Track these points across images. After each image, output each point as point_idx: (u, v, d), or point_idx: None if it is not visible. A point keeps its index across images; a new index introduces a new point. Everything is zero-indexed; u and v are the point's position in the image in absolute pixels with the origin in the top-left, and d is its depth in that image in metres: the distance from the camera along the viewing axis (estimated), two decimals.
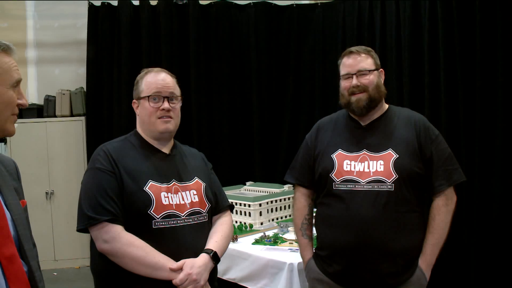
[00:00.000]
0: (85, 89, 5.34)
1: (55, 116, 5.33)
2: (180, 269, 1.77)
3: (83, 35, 5.37)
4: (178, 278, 1.75)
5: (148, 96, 1.93)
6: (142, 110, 1.96)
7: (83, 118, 5.32)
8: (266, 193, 3.75)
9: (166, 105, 1.93)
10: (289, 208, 3.62)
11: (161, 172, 1.90)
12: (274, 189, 3.82)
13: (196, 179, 1.99)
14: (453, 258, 3.55)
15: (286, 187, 3.76)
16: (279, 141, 5.11)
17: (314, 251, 2.33)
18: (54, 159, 5.33)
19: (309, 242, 2.35)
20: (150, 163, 1.92)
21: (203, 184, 1.99)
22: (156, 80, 1.96)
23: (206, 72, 5.07)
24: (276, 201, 3.59)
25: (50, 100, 5.34)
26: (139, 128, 2.02)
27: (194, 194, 1.94)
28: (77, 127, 5.35)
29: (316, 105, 4.94)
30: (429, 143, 2.13)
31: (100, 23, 5.15)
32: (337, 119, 2.34)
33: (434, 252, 2.13)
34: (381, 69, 2.25)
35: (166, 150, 1.99)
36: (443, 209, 2.13)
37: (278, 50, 5.18)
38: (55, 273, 5.01)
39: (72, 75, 5.68)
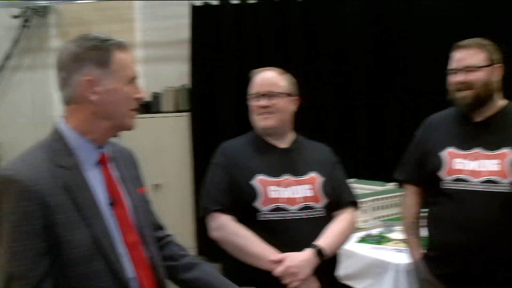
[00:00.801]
0: (189, 86, 5.55)
1: (162, 112, 5.58)
2: (282, 261, 1.79)
3: (187, 33, 5.58)
4: (277, 270, 1.78)
5: (250, 95, 2.04)
6: (250, 109, 2.06)
7: (188, 113, 5.53)
8: (370, 191, 3.64)
9: (261, 102, 1.98)
10: (393, 206, 3.50)
11: (273, 167, 1.94)
12: (378, 187, 3.71)
13: (313, 174, 1.98)
14: None
15: (391, 185, 3.64)
16: (384, 138, 4.93)
17: (424, 251, 2.23)
18: (162, 152, 5.59)
19: (419, 242, 2.25)
20: (263, 158, 1.97)
21: (320, 179, 1.97)
22: (257, 78, 2.04)
23: (307, 68, 5.01)
24: (380, 199, 3.49)
25: (157, 97, 5.61)
26: None
27: (308, 189, 1.93)
28: (182, 122, 5.57)
29: (424, 101, 4.68)
30: None
31: (201, 22, 5.33)
32: (449, 115, 2.24)
33: None
34: (497, 65, 2.08)
35: (283, 144, 2.03)
36: None
37: (383, 43, 4.97)
38: None
39: (177, 73, 5.90)
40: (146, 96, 5.73)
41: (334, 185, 2.01)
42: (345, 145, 5.02)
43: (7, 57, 6.34)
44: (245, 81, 5.06)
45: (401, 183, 2.42)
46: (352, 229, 2.05)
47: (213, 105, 5.27)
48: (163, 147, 5.60)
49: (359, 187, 3.84)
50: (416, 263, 2.22)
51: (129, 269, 1.31)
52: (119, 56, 1.33)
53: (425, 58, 4.68)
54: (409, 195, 2.31)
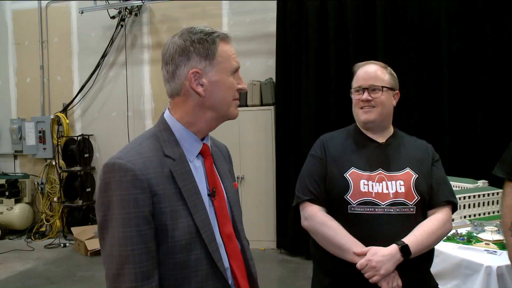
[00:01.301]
0: (274, 80, 5.62)
1: (247, 106, 5.71)
2: (365, 254, 1.79)
3: (272, 28, 5.65)
4: (359, 263, 1.78)
5: (353, 89, 2.03)
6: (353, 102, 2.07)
7: (272, 107, 5.61)
8: (458, 188, 3.52)
9: (364, 96, 1.98)
10: (483, 205, 3.35)
11: (367, 161, 1.94)
12: (467, 184, 3.57)
13: (407, 170, 1.94)
14: None
15: (480, 183, 3.48)
16: (471, 133, 4.73)
17: None
18: (245, 145, 5.72)
19: None
20: (358, 151, 1.98)
21: (414, 176, 1.93)
22: (360, 73, 2.03)
23: (394, 61, 4.91)
24: (469, 197, 3.35)
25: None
26: None
27: (401, 185, 1.91)
28: (266, 116, 5.67)
29: None
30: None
31: (288, 15, 5.36)
32: None
33: None
34: None
35: (381, 139, 2.01)
36: None
37: (472, 35, 4.76)
38: None
39: (262, 67, 6.02)
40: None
41: (430, 183, 1.96)
42: (432, 141, 4.85)
43: (104, 54, 6.77)
44: (329, 75, 5.11)
45: (500, 180, 2.28)
46: (446, 230, 1.96)
47: (298, 98, 5.31)
48: (248, 140, 5.73)
49: None
50: None
51: (225, 260, 1.35)
52: (223, 48, 1.36)
53: None
54: (510, 194, 2.17)
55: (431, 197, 1.96)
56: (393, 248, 1.80)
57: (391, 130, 2.06)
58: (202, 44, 1.34)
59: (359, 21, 5.03)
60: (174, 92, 1.37)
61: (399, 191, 1.89)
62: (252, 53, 6.10)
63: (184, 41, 1.34)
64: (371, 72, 2.01)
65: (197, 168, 1.38)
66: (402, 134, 2.09)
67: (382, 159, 1.96)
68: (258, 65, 6.04)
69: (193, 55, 1.33)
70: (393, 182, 1.91)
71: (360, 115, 2.00)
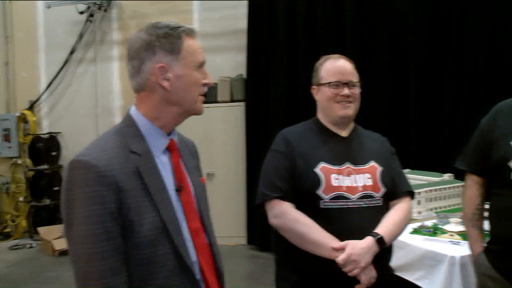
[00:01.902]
0: (244, 76, 5.61)
1: (217, 102, 5.68)
2: (343, 249, 1.79)
3: (242, 24, 5.65)
4: (339, 258, 1.77)
5: (329, 83, 1.98)
6: (322, 96, 2.02)
7: (242, 103, 5.61)
8: (425, 182, 3.57)
9: (345, 91, 1.96)
10: (448, 198, 3.42)
11: (335, 155, 1.94)
12: (433, 178, 3.64)
13: (372, 163, 1.97)
14: None
15: (446, 176, 3.56)
16: (438, 128, 4.82)
17: (485, 244, 2.16)
18: (215, 142, 5.70)
19: (480, 234, 2.18)
20: (325, 146, 1.97)
21: (379, 168, 1.96)
22: (336, 66, 2.01)
23: (363, 57, 4.96)
24: (435, 190, 3.41)
25: (212, 87, 5.69)
26: (318, 113, 2.09)
27: (368, 178, 1.93)
28: (237, 112, 5.66)
29: (479, 90, 4.53)
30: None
31: (258, 12, 5.37)
32: None
33: None
34: None
35: (344, 133, 2.03)
36: None
37: (438, 32, 4.84)
38: None
39: (232, 63, 6.00)
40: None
41: (391, 175, 2.01)
42: (400, 136, 4.96)
43: (72, 50, 6.65)
44: (298, 71, 5.13)
45: (462, 173, 2.33)
46: (409, 219, 2.03)
47: (268, 95, 5.33)
48: (218, 137, 5.71)
49: (413, 177, 3.79)
50: (476, 257, 2.15)
51: (192, 254, 1.35)
52: (188, 42, 1.36)
53: (481, 45, 4.53)
54: (471, 186, 2.21)
55: (393, 188, 1.99)
56: (370, 240, 1.83)
57: (352, 124, 2.07)
58: (168, 39, 1.33)
59: (329, 18, 5.07)
60: (140, 87, 1.36)
61: (367, 184, 1.92)
62: (222, 49, 6.08)
63: (149, 35, 1.34)
64: (348, 68, 2.02)
65: (164, 163, 1.37)
66: (360, 128, 2.11)
67: (348, 152, 1.97)
68: (228, 61, 6.02)
69: (158, 49, 1.33)
70: (361, 175, 1.93)
71: (337, 109, 1.98)
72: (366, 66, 5.00)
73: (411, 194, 2.08)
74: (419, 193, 3.31)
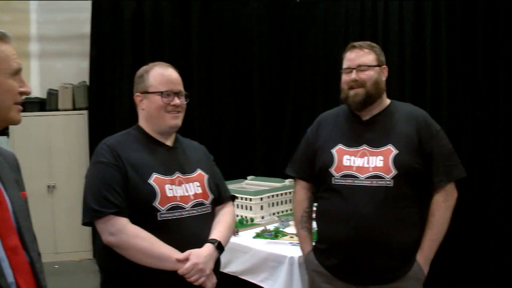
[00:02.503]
0: (87, 83, 5.37)
1: (58, 110, 5.35)
2: (186, 259, 1.79)
3: (86, 29, 5.38)
4: (184, 268, 1.77)
5: (161, 92, 1.93)
6: (150, 104, 1.96)
7: (85, 112, 5.34)
8: (267, 188, 3.76)
9: (177, 101, 1.95)
10: (290, 202, 3.62)
11: (165, 165, 1.92)
12: (275, 184, 3.83)
13: (199, 171, 2.01)
14: (452, 254, 3.56)
15: (287, 182, 3.77)
16: (281, 136, 5.10)
17: (314, 244, 2.35)
18: (56, 152, 5.35)
19: (308, 235, 2.37)
20: (154, 156, 1.93)
21: (205, 176, 2.02)
22: (166, 75, 1.97)
23: (208, 67, 5.09)
24: (277, 195, 3.61)
25: (52, 94, 5.36)
26: (142, 122, 2.02)
27: (197, 186, 1.97)
28: (79, 120, 5.37)
29: (317, 101, 4.90)
30: (429, 138, 2.13)
31: (103, 17, 5.18)
32: (338, 113, 2.34)
33: (433, 247, 2.14)
34: (384, 66, 2.24)
35: (169, 142, 2.01)
36: (442, 205, 2.14)
37: (280, 45, 5.15)
38: (56, 266, 5.04)
39: (74, 69, 5.69)
40: (32, 90, 5.42)
41: (215, 181, 2.08)
42: (243, 143, 5.17)
43: None
44: None
45: (292, 178, 2.52)
46: (235, 221, 2.18)
47: (112, 103, 5.14)
48: (59, 147, 5.36)
49: (256, 184, 3.96)
50: (306, 256, 2.32)
51: (8, 274, 1.24)
52: (1, 48, 1.27)
53: (319, 59, 4.89)
54: (300, 191, 2.38)
55: (218, 194, 2.08)
56: (210, 247, 1.87)
57: (174, 134, 2.10)
58: None
59: (175, 26, 5.07)
60: None
61: (197, 192, 1.98)
62: (64, 54, 5.73)
63: None
64: (177, 77, 2.01)
65: None
66: (180, 136, 2.14)
67: (176, 162, 2.00)
68: (71, 67, 5.70)
69: None
70: (191, 184, 1.97)
71: (168, 119, 1.95)
72: (211, 76, 5.14)
73: (233, 198, 2.19)
74: (261, 198, 3.47)
